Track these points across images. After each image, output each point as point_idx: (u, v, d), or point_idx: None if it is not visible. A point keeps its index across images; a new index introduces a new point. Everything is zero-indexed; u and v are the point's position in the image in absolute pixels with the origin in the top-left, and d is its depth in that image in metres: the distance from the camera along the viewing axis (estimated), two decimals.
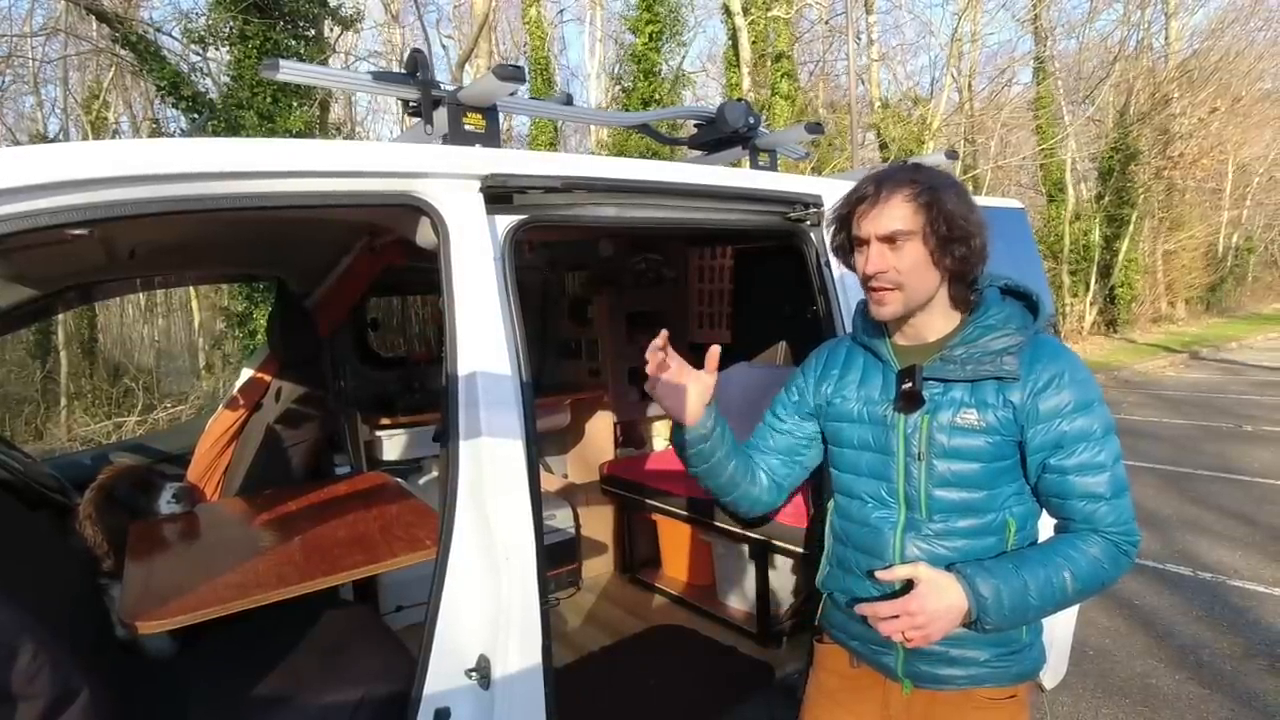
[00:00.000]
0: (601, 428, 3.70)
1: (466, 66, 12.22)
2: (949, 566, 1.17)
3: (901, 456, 1.25)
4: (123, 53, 8.11)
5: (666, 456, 3.56)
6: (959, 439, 1.20)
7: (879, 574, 1.21)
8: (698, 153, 2.45)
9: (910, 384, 1.23)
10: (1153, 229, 18.98)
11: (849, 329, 1.46)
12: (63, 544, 1.88)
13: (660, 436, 3.94)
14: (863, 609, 1.16)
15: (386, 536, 1.81)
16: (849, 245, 1.27)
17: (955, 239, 1.16)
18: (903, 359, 1.28)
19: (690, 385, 1.26)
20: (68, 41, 10.47)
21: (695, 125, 2.39)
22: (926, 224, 1.16)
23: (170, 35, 8.23)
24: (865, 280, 1.23)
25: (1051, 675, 2.46)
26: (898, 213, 1.17)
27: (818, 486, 2.21)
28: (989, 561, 1.18)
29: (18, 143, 10.88)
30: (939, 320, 1.26)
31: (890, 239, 1.18)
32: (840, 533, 1.37)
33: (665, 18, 12.32)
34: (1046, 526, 1.28)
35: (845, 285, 1.92)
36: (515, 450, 1.40)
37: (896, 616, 1.12)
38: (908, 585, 1.15)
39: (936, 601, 1.11)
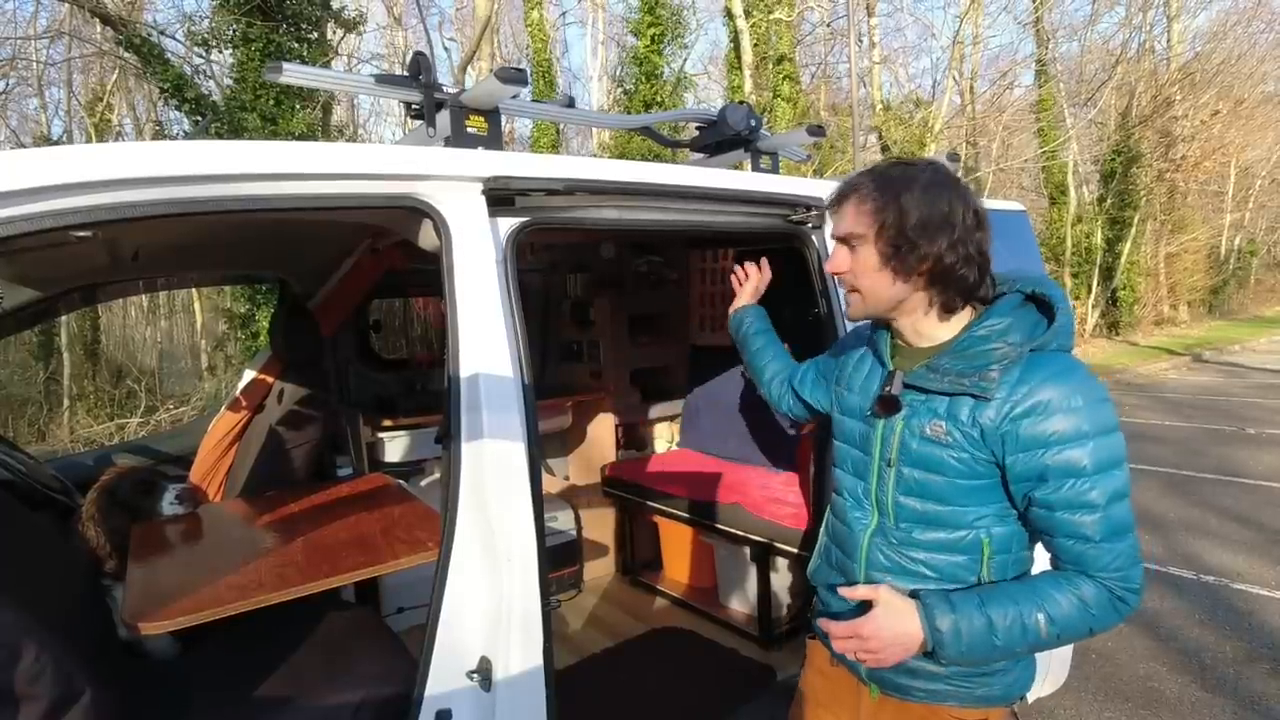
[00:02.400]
0: (603, 430, 3.70)
1: (469, 69, 12.23)
2: (914, 594, 1.14)
3: (876, 459, 1.24)
4: (126, 55, 8.15)
5: (668, 458, 3.56)
6: (926, 448, 1.16)
7: (842, 590, 1.20)
8: (699, 155, 2.45)
9: (888, 388, 1.22)
10: (1155, 231, 18.93)
11: (849, 330, 1.46)
12: (65, 545, 1.88)
13: (661, 439, 3.94)
14: (823, 624, 1.17)
15: (388, 538, 1.81)
16: None
17: (910, 242, 1.10)
18: (899, 362, 1.26)
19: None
20: (71, 44, 10.53)
21: (697, 128, 2.39)
22: (878, 227, 1.13)
23: (174, 38, 8.28)
24: None
25: (1053, 679, 2.45)
26: (850, 212, 1.17)
27: (818, 486, 2.21)
28: (956, 594, 1.12)
29: (21, 145, 10.93)
30: (927, 326, 1.20)
31: (846, 240, 1.19)
32: (829, 527, 1.39)
33: (667, 20, 12.34)
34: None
35: None
36: (517, 452, 1.40)
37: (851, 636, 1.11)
38: (868, 605, 1.14)
39: (890, 628, 1.09)
